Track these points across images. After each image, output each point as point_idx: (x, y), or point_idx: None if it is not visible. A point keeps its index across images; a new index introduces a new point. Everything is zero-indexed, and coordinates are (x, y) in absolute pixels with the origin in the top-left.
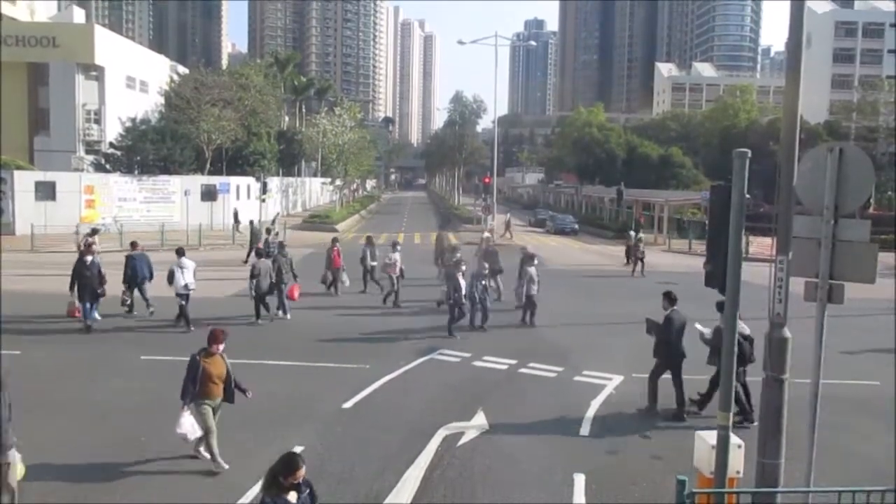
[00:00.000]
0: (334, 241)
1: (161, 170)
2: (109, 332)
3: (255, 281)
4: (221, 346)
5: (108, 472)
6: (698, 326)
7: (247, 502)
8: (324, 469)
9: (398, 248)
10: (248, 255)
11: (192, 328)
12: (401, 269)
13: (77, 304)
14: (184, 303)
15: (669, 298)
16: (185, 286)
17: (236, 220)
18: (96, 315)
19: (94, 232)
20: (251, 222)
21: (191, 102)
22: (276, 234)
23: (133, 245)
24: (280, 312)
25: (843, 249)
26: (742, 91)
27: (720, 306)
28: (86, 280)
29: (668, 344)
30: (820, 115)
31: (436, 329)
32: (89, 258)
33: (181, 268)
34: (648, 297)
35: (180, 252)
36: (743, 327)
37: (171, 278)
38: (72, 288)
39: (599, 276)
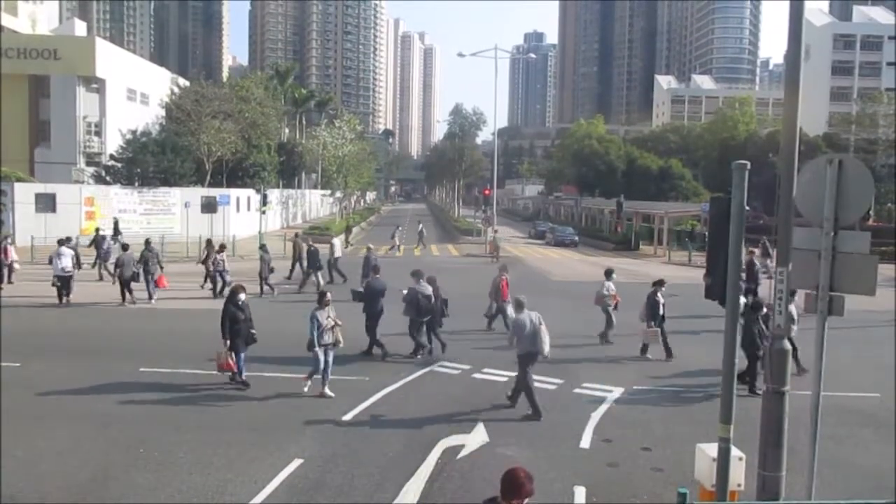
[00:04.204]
0: (502, 269)
1: (161, 182)
2: (109, 344)
3: (119, 270)
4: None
5: (108, 481)
6: (404, 291)
7: None
8: (323, 481)
9: (613, 276)
10: (94, 263)
11: (69, 304)
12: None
13: (230, 356)
14: (59, 284)
15: (416, 275)
16: (63, 269)
17: (116, 231)
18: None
19: (221, 248)
20: (97, 231)
21: (191, 115)
22: (122, 235)
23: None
24: (150, 300)
25: (843, 261)
26: (741, 103)
27: (413, 273)
28: (240, 324)
29: (368, 303)
30: (819, 127)
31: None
32: (242, 296)
33: (59, 255)
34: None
35: (60, 242)
36: (425, 289)
37: (50, 262)
38: (225, 335)
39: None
